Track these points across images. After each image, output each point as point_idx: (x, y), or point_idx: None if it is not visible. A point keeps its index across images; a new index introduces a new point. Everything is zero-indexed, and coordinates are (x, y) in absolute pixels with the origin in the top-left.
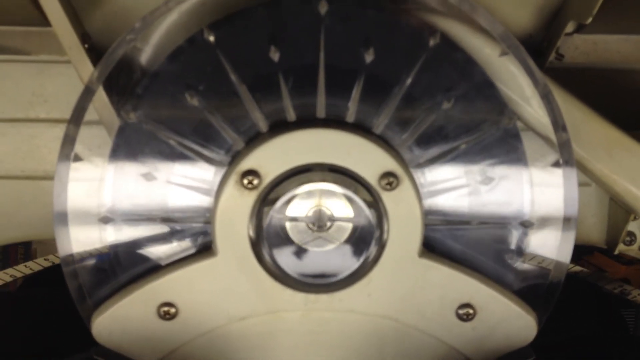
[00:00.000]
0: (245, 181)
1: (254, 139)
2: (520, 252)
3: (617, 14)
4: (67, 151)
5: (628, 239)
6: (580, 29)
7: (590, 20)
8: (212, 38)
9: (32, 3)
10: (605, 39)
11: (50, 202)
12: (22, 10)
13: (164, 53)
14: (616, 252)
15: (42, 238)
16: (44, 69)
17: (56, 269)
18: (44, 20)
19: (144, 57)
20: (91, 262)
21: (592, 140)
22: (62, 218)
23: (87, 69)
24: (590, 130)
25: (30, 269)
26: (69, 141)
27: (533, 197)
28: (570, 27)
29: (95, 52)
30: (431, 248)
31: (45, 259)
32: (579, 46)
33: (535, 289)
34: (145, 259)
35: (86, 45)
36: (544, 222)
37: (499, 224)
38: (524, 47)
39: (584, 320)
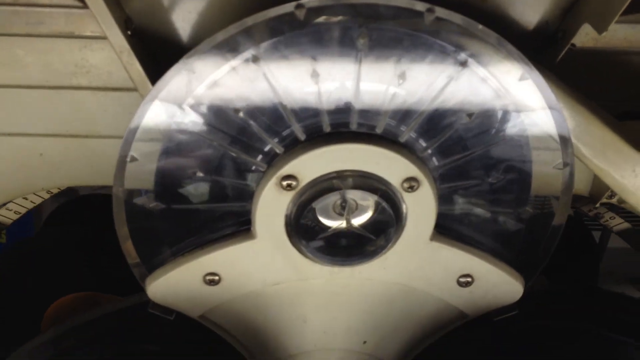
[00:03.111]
0: (285, 184)
1: (292, 147)
2: (517, 233)
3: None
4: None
5: (609, 193)
6: None
7: (604, 32)
8: (259, 62)
9: None
10: (614, 27)
11: (90, 155)
12: None
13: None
14: (597, 205)
15: (84, 184)
16: (86, 44)
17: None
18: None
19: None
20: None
21: (591, 141)
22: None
23: (135, 69)
24: (590, 131)
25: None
26: None
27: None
28: (584, 27)
29: (137, 37)
30: (441, 228)
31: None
32: (589, 32)
33: (526, 259)
34: (193, 232)
35: (129, 32)
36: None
37: (501, 212)
38: (540, 35)
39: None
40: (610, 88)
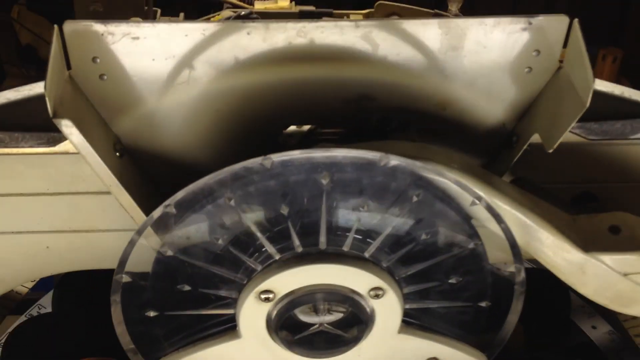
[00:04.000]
0: (263, 297)
1: (269, 265)
2: (478, 319)
3: None
4: None
5: None
6: None
7: (551, 150)
8: (232, 202)
9: None
10: None
11: (92, 245)
12: None
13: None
14: None
15: (88, 269)
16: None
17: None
18: None
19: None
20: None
21: (540, 247)
22: None
23: (125, 199)
24: (538, 238)
25: None
26: None
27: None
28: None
29: (127, 155)
30: (409, 318)
31: None
32: None
33: (486, 340)
34: (185, 330)
35: (117, 154)
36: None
37: (462, 305)
38: (497, 135)
39: None
40: (567, 173)
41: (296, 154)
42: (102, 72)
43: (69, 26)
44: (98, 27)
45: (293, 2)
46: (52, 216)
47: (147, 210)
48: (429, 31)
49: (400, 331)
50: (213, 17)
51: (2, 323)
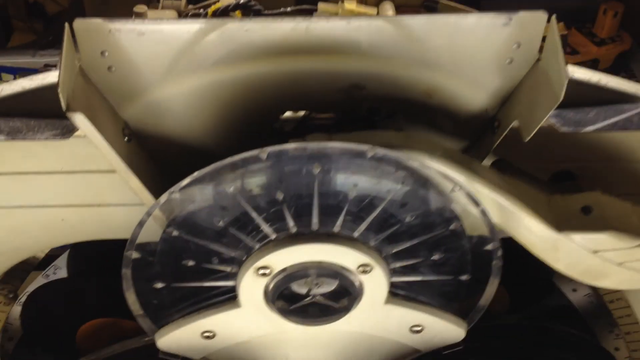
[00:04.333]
0: (260, 272)
1: (266, 243)
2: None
3: None
4: None
5: None
6: None
7: (528, 138)
8: (232, 189)
9: None
10: None
11: (103, 218)
12: None
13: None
14: None
15: (99, 239)
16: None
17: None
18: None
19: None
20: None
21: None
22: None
23: (134, 182)
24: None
25: None
26: None
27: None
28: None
29: (135, 140)
30: (395, 290)
31: None
32: None
33: (467, 308)
34: (190, 298)
35: (126, 139)
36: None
37: (445, 278)
38: (480, 120)
39: None
40: (545, 155)
41: (290, 147)
42: (110, 64)
43: (79, 24)
44: (106, 24)
45: None
46: (67, 192)
47: (154, 189)
48: (416, 26)
49: (387, 302)
50: (214, 3)
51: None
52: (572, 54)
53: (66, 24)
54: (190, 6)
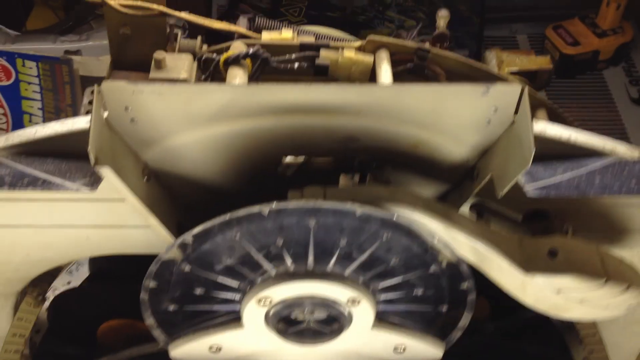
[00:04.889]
0: (261, 302)
1: (267, 278)
2: (438, 316)
3: None
4: None
5: None
6: None
7: (501, 195)
8: (238, 237)
9: None
10: None
11: (124, 237)
12: None
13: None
14: None
15: (121, 254)
16: None
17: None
18: None
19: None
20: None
21: (489, 269)
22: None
23: (152, 222)
24: (489, 260)
25: None
26: None
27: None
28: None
29: (154, 179)
30: (381, 315)
31: None
32: None
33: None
34: (200, 317)
35: (145, 179)
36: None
37: (425, 308)
38: (462, 168)
39: None
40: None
41: (289, 206)
42: (133, 117)
43: (107, 85)
44: (130, 86)
45: (295, 33)
46: (91, 215)
47: (169, 223)
48: (406, 92)
49: (373, 327)
50: (225, 48)
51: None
52: (573, 44)
53: (95, 85)
54: (205, 47)
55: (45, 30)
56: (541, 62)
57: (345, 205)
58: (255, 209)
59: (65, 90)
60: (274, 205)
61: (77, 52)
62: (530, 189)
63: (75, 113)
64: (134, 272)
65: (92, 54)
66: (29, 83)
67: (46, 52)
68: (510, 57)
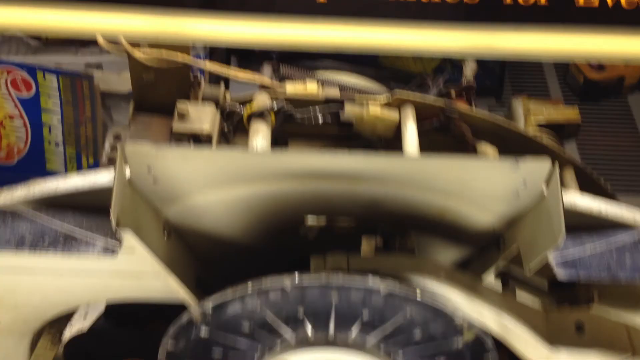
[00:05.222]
0: None
1: (287, 345)
2: None
3: None
4: None
5: None
6: None
7: (530, 274)
8: (258, 304)
9: None
10: None
11: (141, 284)
12: None
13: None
14: None
15: (139, 301)
16: None
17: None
18: None
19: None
20: None
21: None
22: None
23: (171, 281)
24: (512, 333)
25: None
26: None
27: None
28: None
29: (174, 234)
30: None
31: None
32: None
33: None
34: None
35: (165, 233)
36: None
37: None
38: (488, 236)
39: None
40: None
41: (312, 282)
42: (155, 177)
43: (130, 148)
44: (153, 149)
45: (320, 85)
46: (112, 264)
47: (189, 280)
48: (432, 163)
49: None
50: (250, 99)
51: None
52: (598, 69)
53: (119, 145)
54: (228, 95)
55: (66, 41)
56: (569, 114)
57: (369, 282)
58: (277, 283)
59: (86, 104)
60: (297, 279)
61: (98, 66)
62: (560, 270)
63: (94, 128)
64: (148, 313)
65: (113, 67)
66: (50, 96)
67: (67, 65)
68: (537, 107)
